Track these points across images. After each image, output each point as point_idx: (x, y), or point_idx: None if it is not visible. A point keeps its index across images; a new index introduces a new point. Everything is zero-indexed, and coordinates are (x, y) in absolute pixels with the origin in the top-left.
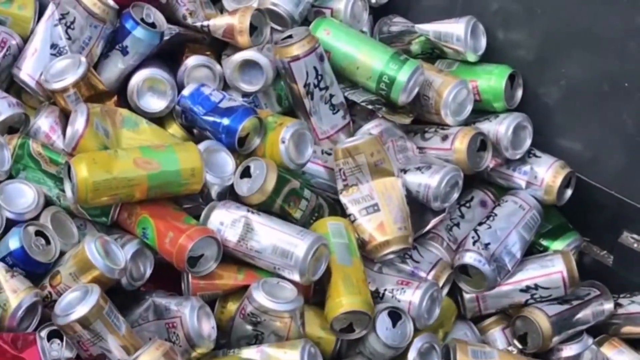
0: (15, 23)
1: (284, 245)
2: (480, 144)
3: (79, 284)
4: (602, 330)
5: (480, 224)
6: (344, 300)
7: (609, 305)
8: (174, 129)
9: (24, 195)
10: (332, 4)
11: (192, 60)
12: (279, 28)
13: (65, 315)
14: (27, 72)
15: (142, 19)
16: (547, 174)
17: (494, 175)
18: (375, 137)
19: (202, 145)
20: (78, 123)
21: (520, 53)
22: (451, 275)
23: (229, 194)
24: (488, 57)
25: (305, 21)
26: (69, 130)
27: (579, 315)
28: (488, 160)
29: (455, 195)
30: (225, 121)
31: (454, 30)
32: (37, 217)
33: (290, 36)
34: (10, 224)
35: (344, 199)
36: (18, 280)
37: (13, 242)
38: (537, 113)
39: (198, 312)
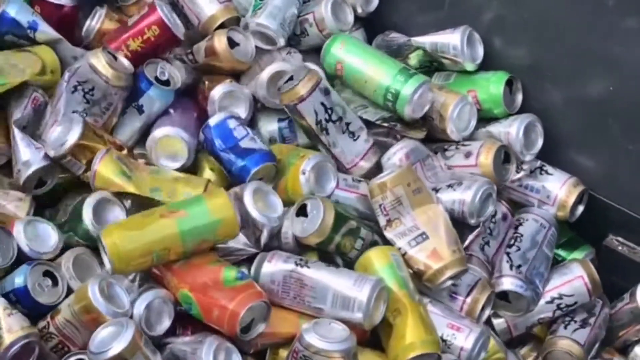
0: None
1: (342, 298)
2: (505, 156)
3: (113, 319)
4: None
5: (509, 245)
6: (419, 341)
7: (608, 311)
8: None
9: (49, 237)
10: (314, 8)
11: (217, 91)
12: (269, 47)
13: (100, 353)
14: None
15: (156, 78)
16: (560, 191)
17: (504, 192)
18: (408, 167)
19: (251, 187)
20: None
21: (515, 61)
22: (491, 295)
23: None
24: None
25: (293, 35)
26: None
27: (600, 332)
28: (513, 172)
29: (491, 208)
30: (240, 162)
31: (449, 40)
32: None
33: (290, 78)
34: (26, 258)
35: (389, 234)
36: (15, 319)
37: (19, 279)
38: None
39: (214, 352)
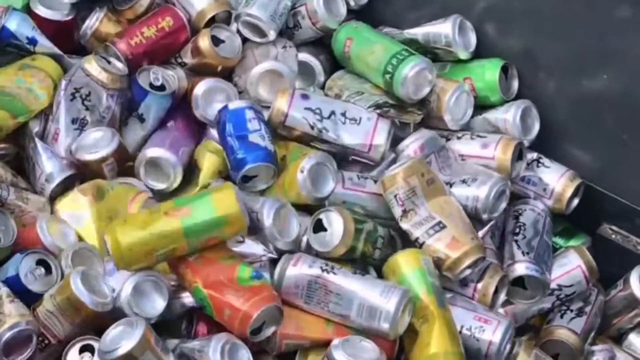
0: None
1: (369, 308)
2: (519, 153)
3: (124, 318)
4: None
5: (515, 234)
6: (442, 352)
7: (603, 299)
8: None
9: (68, 233)
10: (307, 0)
11: (200, 88)
12: (260, 40)
13: (110, 352)
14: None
15: (150, 84)
16: (557, 184)
17: None
18: (419, 159)
19: (270, 203)
20: None
21: (510, 51)
22: (504, 279)
23: None
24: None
25: (286, 28)
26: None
27: (595, 320)
28: (523, 169)
29: (504, 205)
30: (241, 154)
31: (441, 30)
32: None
33: (268, 107)
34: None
35: (405, 225)
36: (15, 306)
37: (12, 268)
38: None
39: (222, 347)
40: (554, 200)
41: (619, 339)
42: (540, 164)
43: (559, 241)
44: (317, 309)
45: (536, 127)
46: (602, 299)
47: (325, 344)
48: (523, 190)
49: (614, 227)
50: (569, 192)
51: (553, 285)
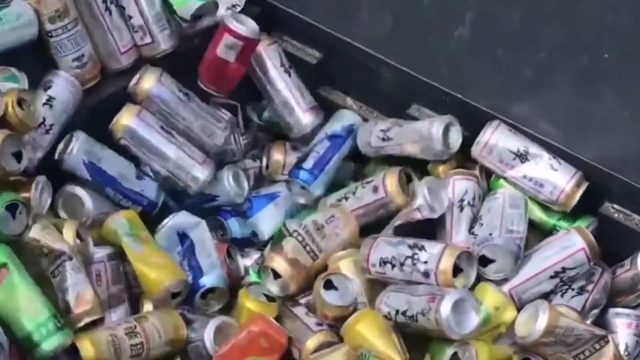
0: None
1: None
2: (407, 177)
3: None
4: None
5: (471, 228)
6: None
7: (609, 278)
8: None
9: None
10: None
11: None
12: None
13: None
14: None
15: None
16: (567, 185)
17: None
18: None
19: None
20: None
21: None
22: (464, 256)
23: None
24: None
25: None
26: None
27: (599, 298)
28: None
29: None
30: None
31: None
32: None
33: None
34: None
35: None
36: None
37: None
38: (516, 87)
39: None
40: (560, 201)
41: None
42: (549, 165)
43: (564, 224)
44: None
45: (458, 142)
46: (607, 278)
47: None
48: (528, 191)
49: (616, 206)
50: (577, 197)
51: (557, 268)
